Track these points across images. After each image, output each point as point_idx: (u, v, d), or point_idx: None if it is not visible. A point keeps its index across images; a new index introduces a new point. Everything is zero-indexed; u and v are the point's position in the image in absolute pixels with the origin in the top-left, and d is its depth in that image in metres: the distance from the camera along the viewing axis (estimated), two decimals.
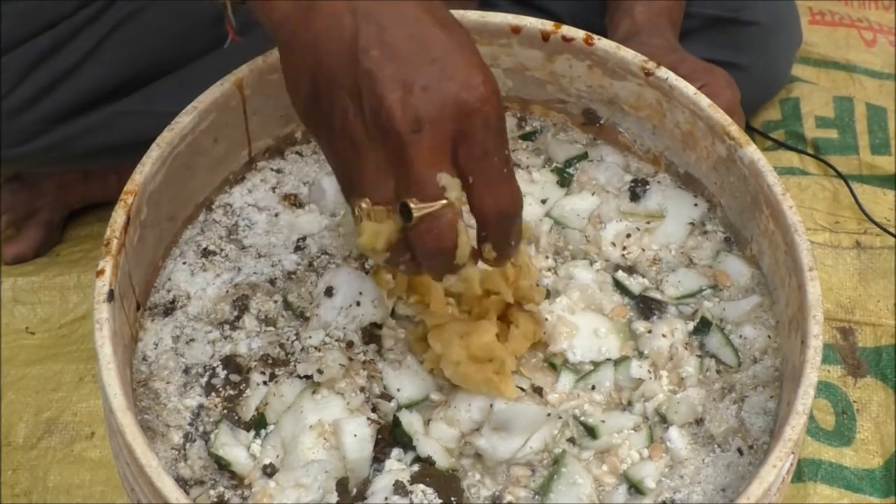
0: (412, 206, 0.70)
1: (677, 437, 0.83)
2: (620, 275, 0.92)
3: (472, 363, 0.82)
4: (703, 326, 0.88)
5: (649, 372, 0.86)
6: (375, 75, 0.69)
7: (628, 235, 0.94)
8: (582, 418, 0.84)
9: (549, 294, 0.90)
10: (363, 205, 0.73)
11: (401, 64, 0.69)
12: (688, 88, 0.92)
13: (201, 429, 0.83)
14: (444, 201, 0.71)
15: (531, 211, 0.96)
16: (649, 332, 0.88)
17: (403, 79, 0.69)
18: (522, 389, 0.84)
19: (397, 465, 0.81)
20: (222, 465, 0.81)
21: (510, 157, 0.72)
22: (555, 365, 0.86)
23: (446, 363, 0.82)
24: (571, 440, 0.83)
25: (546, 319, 0.87)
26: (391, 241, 0.74)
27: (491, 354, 0.82)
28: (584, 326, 0.88)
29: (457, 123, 0.70)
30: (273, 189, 0.97)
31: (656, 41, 1.23)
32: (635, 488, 0.81)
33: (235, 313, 0.89)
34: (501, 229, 0.75)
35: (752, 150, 0.88)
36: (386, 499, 0.78)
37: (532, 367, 0.86)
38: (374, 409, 0.83)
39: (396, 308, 0.88)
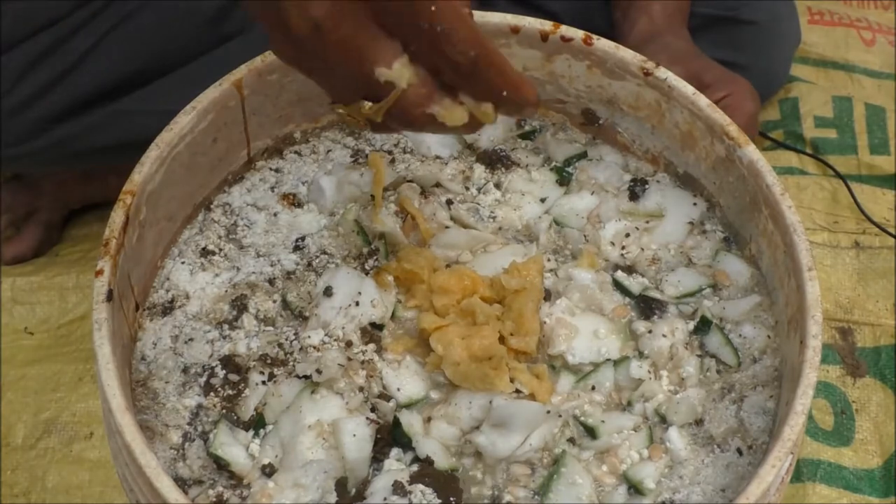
0: (366, 108, 0.69)
1: (677, 438, 0.83)
2: (620, 275, 0.92)
3: (472, 362, 0.82)
4: (703, 326, 0.88)
5: (649, 372, 0.86)
6: None
7: (627, 235, 0.94)
8: (582, 418, 0.84)
9: (549, 296, 0.90)
10: (339, 110, 0.72)
11: None
12: (686, 88, 0.92)
13: (200, 428, 0.83)
14: (394, 91, 0.68)
15: (530, 210, 0.96)
16: (650, 332, 0.88)
17: None
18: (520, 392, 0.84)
19: (396, 465, 0.81)
20: (221, 465, 0.81)
21: (444, 9, 0.66)
22: (554, 367, 0.86)
23: (447, 363, 0.82)
24: (571, 440, 0.83)
25: (545, 322, 0.87)
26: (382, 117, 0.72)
27: (490, 353, 0.82)
28: (584, 328, 0.88)
29: (359, 6, 0.66)
30: (272, 189, 0.97)
31: (680, 44, 1.23)
32: (635, 489, 0.81)
33: (234, 313, 0.89)
34: (474, 78, 0.69)
35: (751, 150, 0.88)
36: (385, 499, 0.78)
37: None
38: (373, 409, 0.83)
39: (396, 311, 0.88)
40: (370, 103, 0.70)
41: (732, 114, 1.15)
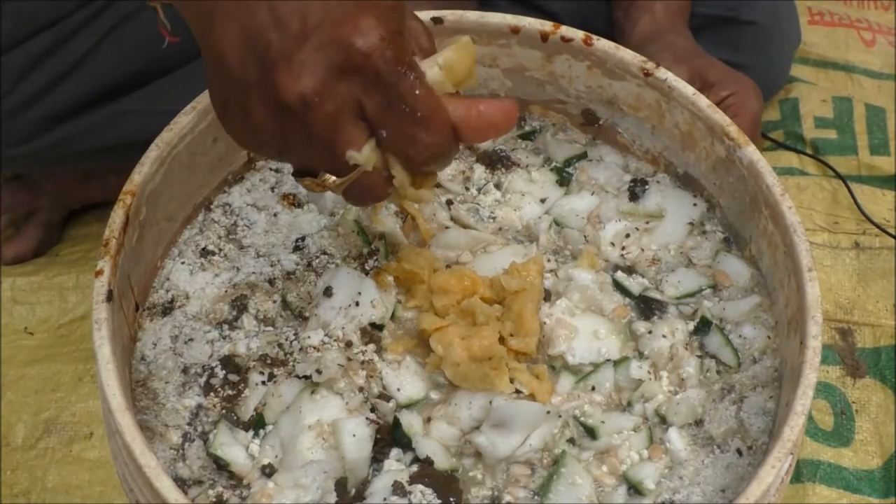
0: (329, 182, 0.72)
1: (677, 438, 0.83)
2: (620, 275, 0.92)
3: (472, 363, 0.82)
4: (703, 326, 0.88)
5: (649, 372, 0.86)
6: (265, 59, 0.68)
7: (627, 235, 0.94)
8: (582, 419, 0.84)
9: (549, 296, 0.90)
10: (304, 182, 0.75)
11: (284, 38, 0.68)
12: (687, 89, 0.92)
13: (200, 429, 0.83)
14: (358, 169, 0.71)
15: (530, 210, 0.96)
16: (649, 332, 0.88)
17: (287, 55, 0.68)
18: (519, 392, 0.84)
19: (396, 466, 0.81)
20: (221, 465, 0.81)
21: (423, 98, 0.69)
22: (554, 367, 0.86)
23: (447, 364, 0.82)
24: (571, 440, 0.83)
25: (545, 323, 0.87)
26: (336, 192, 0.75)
27: (490, 354, 0.82)
28: (584, 328, 0.88)
29: (348, 83, 0.68)
30: (272, 189, 0.97)
31: (684, 42, 1.23)
32: (635, 489, 0.81)
33: (234, 313, 0.89)
34: (433, 167, 0.74)
35: (751, 151, 0.88)
36: (385, 499, 0.78)
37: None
38: (372, 409, 0.83)
39: (396, 311, 0.88)
40: (334, 178, 0.73)
41: (737, 112, 1.15)
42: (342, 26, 0.67)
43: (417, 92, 0.69)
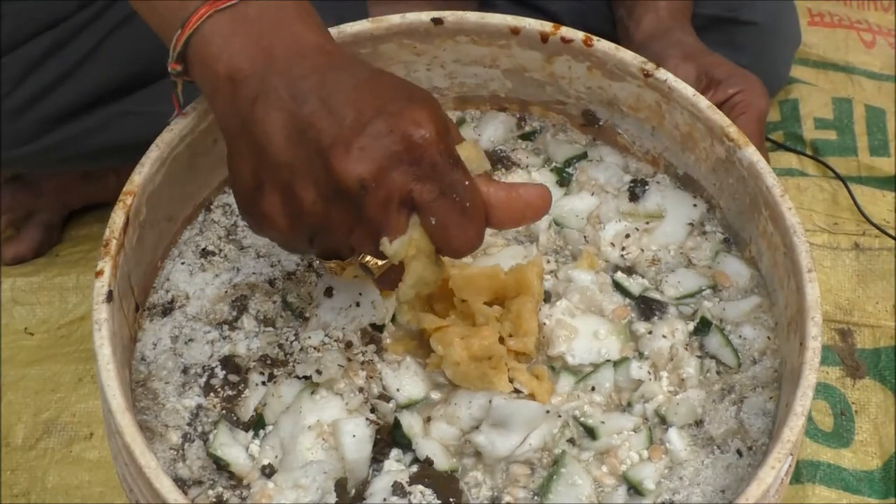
0: (369, 264, 0.74)
1: (677, 439, 0.83)
2: (620, 276, 0.92)
3: (472, 362, 0.82)
4: (703, 327, 0.88)
5: (649, 373, 0.86)
6: (319, 144, 0.71)
7: (627, 236, 0.94)
8: (582, 419, 0.84)
9: (549, 297, 0.90)
10: (330, 265, 0.78)
11: (340, 126, 0.71)
12: (686, 90, 0.92)
13: (200, 429, 0.83)
14: (399, 258, 0.74)
15: None
16: (649, 333, 0.88)
17: (346, 142, 0.71)
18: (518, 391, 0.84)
19: (396, 466, 0.81)
20: (221, 466, 0.81)
21: (471, 190, 0.73)
22: (554, 368, 0.86)
23: (447, 363, 0.83)
24: (571, 441, 0.83)
25: (545, 324, 0.87)
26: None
27: (490, 353, 0.82)
28: (584, 329, 0.88)
29: (404, 172, 0.71)
30: None
31: (690, 40, 1.23)
32: (635, 489, 0.81)
33: (234, 313, 0.89)
34: (464, 255, 0.77)
35: (751, 152, 0.88)
36: (385, 499, 0.78)
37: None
38: (372, 410, 0.83)
39: (396, 313, 0.88)
40: (377, 260, 0.75)
41: (744, 110, 1.15)
42: (400, 118, 0.71)
43: (467, 183, 0.73)
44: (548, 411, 0.82)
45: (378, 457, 0.81)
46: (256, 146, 0.73)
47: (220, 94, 0.75)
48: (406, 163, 0.71)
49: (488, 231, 0.93)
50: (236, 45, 0.75)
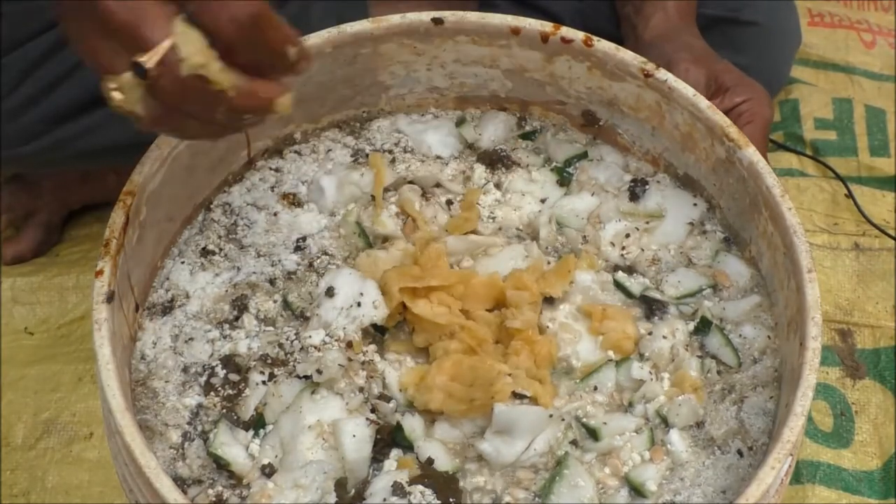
0: (141, 60, 0.67)
1: (678, 440, 0.83)
2: (621, 275, 0.92)
3: (464, 402, 0.82)
4: (704, 326, 0.88)
5: (650, 373, 0.86)
6: None
7: (627, 235, 0.94)
8: (584, 420, 0.84)
9: (552, 299, 0.90)
10: (109, 84, 0.70)
11: None
12: (687, 90, 0.92)
13: (200, 428, 0.83)
14: (168, 42, 0.66)
15: (531, 210, 0.96)
16: (650, 333, 0.88)
17: None
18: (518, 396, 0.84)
19: (396, 466, 0.81)
20: (221, 465, 0.81)
21: None
22: (555, 370, 0.86)
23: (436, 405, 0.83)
24: (574, 443, 0.83)
25: (548, 327, 0.87)
26: (145, 102, 0.70)
27: (489, 380, 0.82)
28: (586, 330, 0.88)
29: None
30: (272, 188, 0.97)
31: (700, 43, 1.22)
32: (636, 491, 0.81)
33: (235, 313, 0.89)
34: (252, 42, 0.68)
35: (751, 152, 0.88)
36: (385, 499, 0.78)
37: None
38: (373, 410, 0.83)
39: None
40: (140, 56, 0.67)
41: (751, 119, 1.15)
42: None
43: None
44: (551, 415, 0.82)
45: (378, 457, 0.82)
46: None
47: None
48: None
49: (488, 230, 0.94)
50: None
